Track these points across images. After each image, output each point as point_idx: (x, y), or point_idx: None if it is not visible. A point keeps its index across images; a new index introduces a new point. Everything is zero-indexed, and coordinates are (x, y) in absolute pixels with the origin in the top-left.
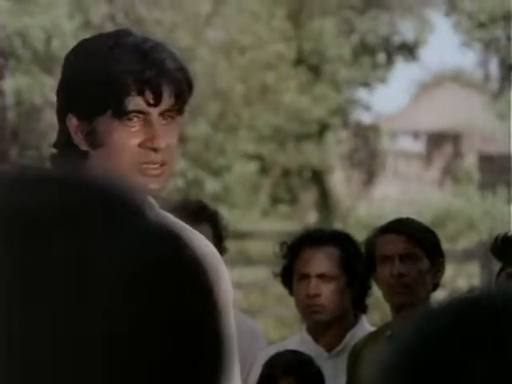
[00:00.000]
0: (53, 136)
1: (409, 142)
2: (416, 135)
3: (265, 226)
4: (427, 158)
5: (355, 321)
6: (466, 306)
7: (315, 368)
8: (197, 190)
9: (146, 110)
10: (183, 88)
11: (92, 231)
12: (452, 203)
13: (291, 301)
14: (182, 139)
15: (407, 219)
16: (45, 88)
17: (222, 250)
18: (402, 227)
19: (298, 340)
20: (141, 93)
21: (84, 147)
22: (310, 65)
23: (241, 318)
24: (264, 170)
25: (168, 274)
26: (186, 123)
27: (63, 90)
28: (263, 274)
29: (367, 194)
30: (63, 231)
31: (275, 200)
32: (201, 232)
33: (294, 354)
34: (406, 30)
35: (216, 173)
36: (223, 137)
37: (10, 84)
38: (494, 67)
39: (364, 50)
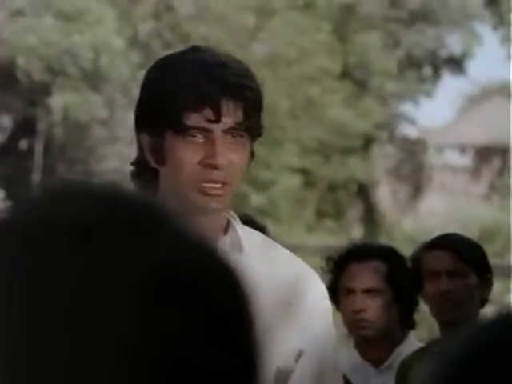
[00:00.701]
0: (99, 152)
1: (455, 155)
2: (463, 149)
3: (310, 240)
4: (474, 172)
5: (403, 336)
6: None
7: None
8: (242, 204)
9: (206, 126)
10: (249, 105)
11: (118, 240)
12: (499, 218)
13: (337, 316)
14: None
15: (454, 235)
16: (92, 105)
17: None
18: (449, 243)
19: (345, 355)
20: (200, 109)
21: (153, 164)
22: (355, 78)
23: None
24: (309, 183)
25: (185, 284)
26: None
27: (136, 107)
28: None
29: (413, 208)
30: (94, 237)
31: (320, 214)
32: None
33: None
34: (453, 43)
35: (261, 186)
36: (268, 150)
37: (58, 101)
38: None
39: (410, 63)
